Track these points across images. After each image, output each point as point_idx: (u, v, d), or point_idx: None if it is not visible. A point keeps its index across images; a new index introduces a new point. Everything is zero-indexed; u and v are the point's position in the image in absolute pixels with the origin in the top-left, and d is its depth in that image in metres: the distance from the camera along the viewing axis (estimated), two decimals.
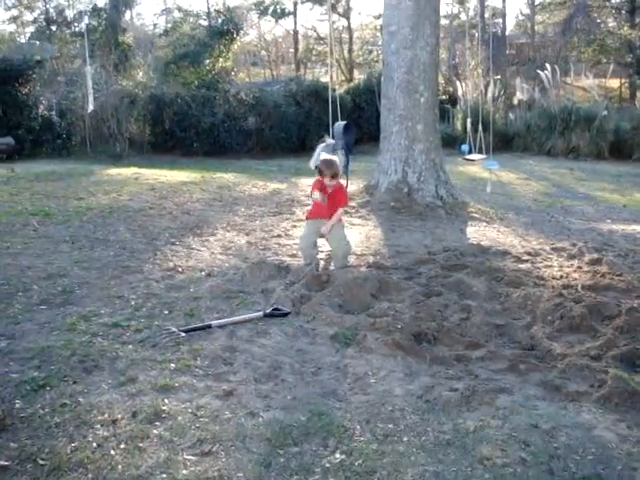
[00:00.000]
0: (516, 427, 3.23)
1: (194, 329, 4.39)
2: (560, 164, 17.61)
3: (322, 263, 6.21)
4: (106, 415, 3.25)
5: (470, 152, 12.73)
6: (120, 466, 2.83)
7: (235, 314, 4.76)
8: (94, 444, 2.99)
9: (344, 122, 8.71)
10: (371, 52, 33.93)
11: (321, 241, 6.27)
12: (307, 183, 10.04)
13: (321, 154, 6.83)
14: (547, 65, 20.95)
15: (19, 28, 31.63)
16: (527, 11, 39.66)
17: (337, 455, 2.96)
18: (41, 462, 2.84)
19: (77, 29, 25.53)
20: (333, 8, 34.20)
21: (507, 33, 37.28)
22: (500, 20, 37.54)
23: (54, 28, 27.51)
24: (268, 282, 5.39)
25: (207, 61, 20.80)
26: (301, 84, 21.17)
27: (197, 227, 7.72)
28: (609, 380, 3.67)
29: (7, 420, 3.13)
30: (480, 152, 12.41)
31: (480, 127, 12.01)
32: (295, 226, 7.98)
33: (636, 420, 3.37)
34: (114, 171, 12.45)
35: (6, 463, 2.82)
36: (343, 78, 31.08)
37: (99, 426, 3.15)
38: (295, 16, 34.93)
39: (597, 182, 14.54)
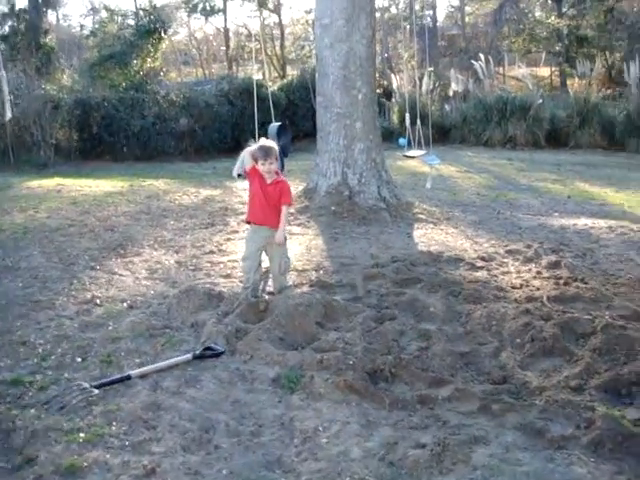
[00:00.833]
0: None
1: (110, 382, 3.70)
2: (498, 154, 17.42)
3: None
4: None
5: (409, 145, 12.41)
6: None
7: (160, 357, 4.09)
8: None
9: (278, 123, 7.98)
10: (303, 47, 33.47)
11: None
12: (243, 187, 9.31)
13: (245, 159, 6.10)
14: (480, 55, 20.79)
15: None
16: (457, 2, 39.79)
17: None
18: None
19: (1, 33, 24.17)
20: (263, 4, 33.55)
21: (438, 25, 37.28)
22: (430, 12, 37.55)
23: None
24: (198, 313, 4.70)
25: (135, 61, 19.95)
26: (233, 82, 20.50)
27: (121, 246, 6.98)
28: (597, 420, 3.16)
29: None
30: (419, 145, 12.11)
31: (418, 120, 11.65)
32: (229, 239, 7.31)
33: (636, 471, 2.86)
34: (35, 183, 11.53)
35: None
36: (276, 75, 30.50)
37: None
38: (225, 13, 34.16)
39: (537, 172, 14.32)
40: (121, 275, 5.92)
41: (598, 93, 19.81)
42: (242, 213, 7.96)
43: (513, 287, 5.52)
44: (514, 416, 3.34)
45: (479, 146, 18.92)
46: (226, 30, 34.59)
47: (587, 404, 3.37)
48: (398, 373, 3.79)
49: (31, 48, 19.49)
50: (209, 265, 6.27)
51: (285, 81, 23.50)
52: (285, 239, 5.30)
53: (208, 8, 34.22)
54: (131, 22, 24.94)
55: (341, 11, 8.64)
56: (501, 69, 27.83)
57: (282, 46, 32.37)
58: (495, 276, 5.90)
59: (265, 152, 5.01)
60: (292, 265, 5.70)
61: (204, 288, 5.07)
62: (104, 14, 29.81)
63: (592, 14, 31.21)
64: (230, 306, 4.69)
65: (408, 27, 24.63)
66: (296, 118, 20.13)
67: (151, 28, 20.52)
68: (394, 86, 21.10)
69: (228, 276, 5.85)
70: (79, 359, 4.08)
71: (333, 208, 8.55)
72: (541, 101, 19.22)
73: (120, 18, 26.90)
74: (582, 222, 8.64)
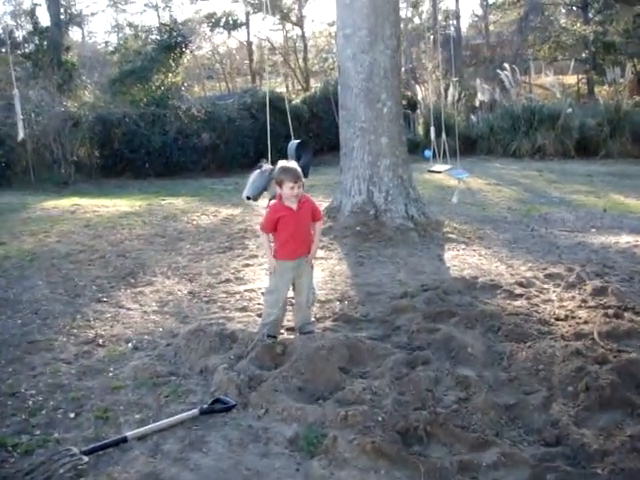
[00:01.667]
0: None
1: (103, 447, 3.23)
2: (527, 165, 16.91)
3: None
4: None
5: (434, 158, 12.04)
6: None
7: (163, 411, 3.61)
8: None
9: (297, 141, 7.42)
10: (326, 60, 33.12)
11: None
12: (264, 205, 8.81)
13: (256, 181, 5.55)
14: (506, 65, 20.27)
15: None
16: (480, 12, 39.33)
17: None
18: None
19: (27, 50, 24.15)
20: (286, 17, 33.32)
21: (462, 34, 36.82)
22: (454, 22, 37.09)
23: (3, 50, 26.13)
24: (208, 357, 4.20)
25: (156, 77, 19.74)
26: (256, 96, 20.18)
27: (132, 274, 6.55)
28: None
29: None
30: (444, 157, 11.66)
31: (443, 133, 11.20)
32: (247, 264, 6.85)
33: None
34: (51, 204, 11.23)
35: None
36: (299, 87, 30.21)
37: None
38: (248, 27, 34.01)
39: (569, 184, 13.76)
40: (129, 309, 5.47)
41: (629, 100, 19.16)
42: None
43: (557, 319, 4.98)
44: None
45: (507, 157, 18.42)
46: (249, 43, 34.45)
47: None
48: (434, 432, 3.27)
49: (52, 65, 19.34)
50: (224, 296, 5.79)
51: (308, 93, 23.17)
52: (312, 267, 4.82)
53: (231, 22, 34.08)
54: (155, 38, 24.86)
55: (364, 20, 8.18)
56: (527, 78, 27.24)
57: (305, 58, 32.09)
58: (536, 305, 5.36)
59: (295, 175, 4.45)
60: (317, 296, 5.22)
61: (216, 328, 4.55)
62: (128, 31, 29.84)
63: (620, 20, 30.57)
64: (244, 348, 4.18)
65: (432, 37, 24.28)
66: (320, 131, 19.83)
67: (172, 43, 20.40)
68: (419, 97, 20.70)
69: (244, 309, 5.38)
70: (72, 414, 3.61)
71: (358, 228, 8.07)
72: (570, 110, 18.66)
73: (144, 34, 26.85)
74: (624, 240, 8.06)
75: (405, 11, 33.57)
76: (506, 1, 37.06)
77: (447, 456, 3.13)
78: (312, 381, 3.81)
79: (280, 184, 4.50)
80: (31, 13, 23.06)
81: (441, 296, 5.48)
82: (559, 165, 16.90)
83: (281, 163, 4.68)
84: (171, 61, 20.29)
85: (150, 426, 3.41)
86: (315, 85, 27.94)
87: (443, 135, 11.37)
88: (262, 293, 5.74)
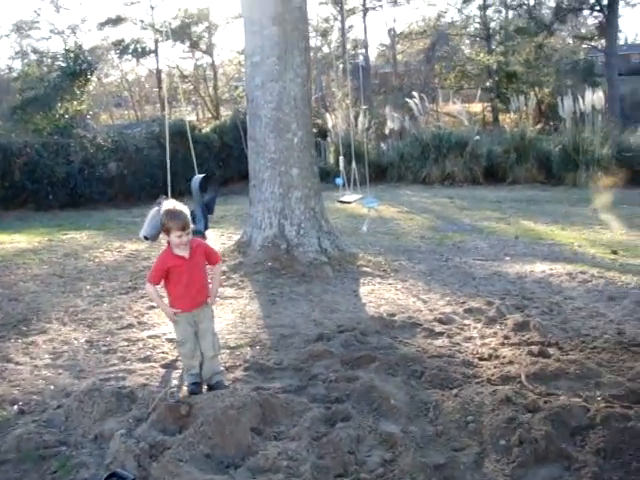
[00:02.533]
0: None
1: None
2: (438, 192, 17.12)
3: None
4: None
5: (344, 187, 11.99)
6: None
7: None
8: None
9: (201, 175, 6.98)
10: (237, 88, 33.00)
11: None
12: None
13: (154, 219, 4.99)
14: (414, 93, 20.60)
15: None
16: (388, 41, 40.15)
17: None
18: None
19: None
20: (195, 45, 32.94)
21: (371, 63, 37.44)
22: (363, 50, 37.67)
23: None
24: (104, 420, 3.71)
25: (59, 105, 18.97)
26: (164, 124, 19.70)
27: (24, 321, 5.96)
28: None
29: None
30: (355, 185, 11.60)
31: (353, 161, 11.11)
32: (152, 307, 6.34)
33: None
34: None
35: None
36: (210, 116, 29.85)
37: None
38: (157, 55, 33.46)
39: (479, 210, 13.92)
40: (17, 363, 4.91)
41: (532, 128, 19.74)
42: None
43: (481, 359, 4.76)
44: None
45: (417, 184, 18.63)
46: (158, 71, 33.89)
47: None
48: None
49: None
50: (125, 344, 5.30)
51: (218, 122, 22.87)
52: (213, 313, 4.41)
53: (139, 49, 33.43)
54: (59, 64, 24.09)
55: (273, 47, 7.90)
56: (435, 106, 27.80)
57: (215, 87, 31.77)
58: (458, 344, 5.13)
59: (182, 221, 4.01)
60: (222, 341, 4.81)
61: (113, 386, 4.09)
62: (33, 56, 28.78)
63: (521, 50, 31.78)
64: (144, 409, 3.73)
65: (341, 66, 24.44)
66: (230, 160, 19.60)
67: (77, 70, 19.76)
68: (329, 125, 20.68)
69: (147, 359, 4.90)
70: None
71: (270, 264, 7.71)
72: (478, 137, 19.07)
73: (49, 60, 25.94)
74: (538, 268, 8.03)
75: (314, 40, 33.85)
76: (413, 31, 38.03)
77: None
78: (221, 446, 3.39)
79: (167, 231, 4.07)
80: None
81: (359, 338, 5.18)
82: (469, 192, 17.13)
83: (167, 205, 4.20)
84: (76, 88, 19.68)
85: None
86: (225, 114, 27.65)
87: (353, 163, 11.32)
88: (167, 339, 5.33)
